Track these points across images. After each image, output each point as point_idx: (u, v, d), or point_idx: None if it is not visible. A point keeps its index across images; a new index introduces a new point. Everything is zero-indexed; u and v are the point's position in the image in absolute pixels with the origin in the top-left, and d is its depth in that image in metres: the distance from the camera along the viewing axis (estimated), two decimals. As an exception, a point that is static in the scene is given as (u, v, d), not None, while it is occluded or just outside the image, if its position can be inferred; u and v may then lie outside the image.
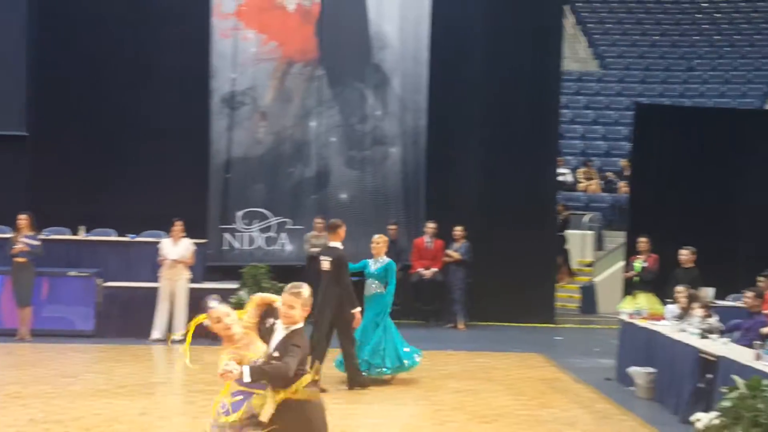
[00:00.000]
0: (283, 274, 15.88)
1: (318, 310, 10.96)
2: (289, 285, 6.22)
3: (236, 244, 17.20)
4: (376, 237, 12.15)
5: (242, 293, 14.91)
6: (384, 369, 11.62)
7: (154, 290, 14.81)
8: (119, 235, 16.25)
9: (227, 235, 17.19)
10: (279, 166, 17.40)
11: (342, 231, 11.54)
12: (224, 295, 14.51)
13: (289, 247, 17.31)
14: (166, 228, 15.21)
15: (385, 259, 11.90)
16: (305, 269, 16.85)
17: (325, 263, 11.35)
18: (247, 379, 6.12)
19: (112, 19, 17.05)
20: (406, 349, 11.77)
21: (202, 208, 16.91)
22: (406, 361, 11.71)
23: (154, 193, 16.55)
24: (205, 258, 16.37)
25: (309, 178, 17.47)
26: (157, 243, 15.11)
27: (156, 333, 14.69)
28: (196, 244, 15.26)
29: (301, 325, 6.13)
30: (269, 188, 17.39)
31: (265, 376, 6.10)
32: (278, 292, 14.48)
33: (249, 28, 17.32)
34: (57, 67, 17.00)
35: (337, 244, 11.47)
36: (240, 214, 17.20)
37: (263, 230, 17.24)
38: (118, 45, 17.09)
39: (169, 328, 14.71)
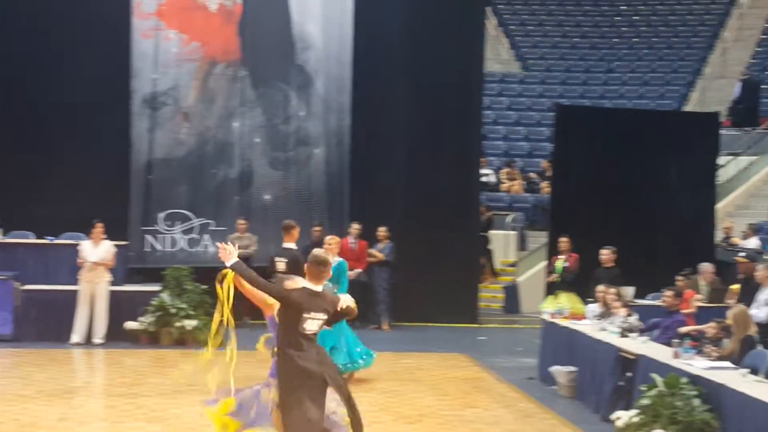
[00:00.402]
0: (206, 276, 15.78)
1: None
2: None
3: (158, 246, 17.02)
4: (329, 238, 12.28)
5: (164, 296, 14.80)
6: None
7: (74, 293, 14.61)
8: (38, 238, 15.95)
9: (149, 237, 16.99)
10: (202, 167, 17.24)
11: (296, 232, 11.67)
12: (146, 298, 14.62)
13: (212, 249, 17.14)
14: (86, 230, 14.98)
15: (337, 259, 11.89)
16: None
17: (281, 264, 11.40)
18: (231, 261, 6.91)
19: (30, 21, 16.78)
20: (358, 349, 11.85)
21: (124, 210, 16.66)
22: (360, 361, 11.80)
23: (74, 194, 16.27)
24: (127, 260, 16.16)
25: (232, 179, 17.36)
26: (77, 245, 14.87)
27: (76, 336, 14.50)
28: (117, 246, 15.07)
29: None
30: (192, 189, 17.22)
31: (246, 273, 6.97)
32: (201, 294, 14.55)
33: (170, 28, 17.12)
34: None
35: (292, 245, 11.56)
36: (162, 215, 17.01)
37: (186, 232, 17.09)
38: (36, 46, 16.80)
39: (90, 332, 14.54)
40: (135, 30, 16.94)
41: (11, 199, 16.28)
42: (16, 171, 16.55)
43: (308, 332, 6.88)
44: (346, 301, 7.25)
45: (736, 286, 13.28)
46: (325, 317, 6.98)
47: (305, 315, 6.88)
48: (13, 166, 16.56)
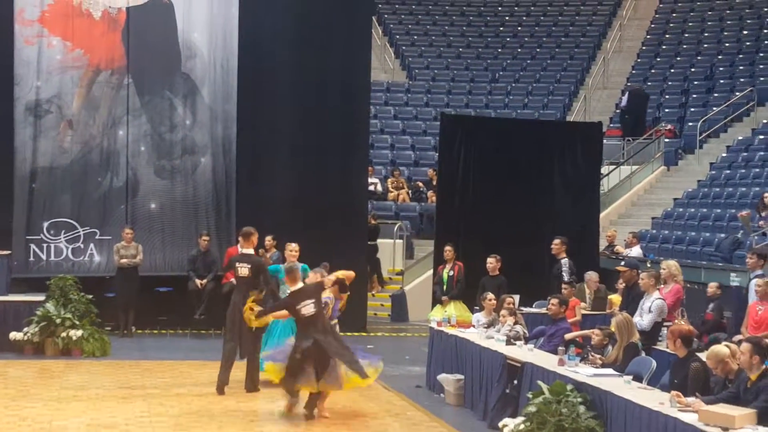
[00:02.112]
0: (91, 285, 15.64)
1: (231, 313, 11.69)
2: None
3: (43, 256, 16.73)
4: (293, 245, 12.63)
5: (49, 305, 14.57)
6: None
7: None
8: None
9: (33, 246, 16.69)
10: (87, 176, 17.01)
11: (255, 238, 12.18)
12: (31, 308, 14.34)
13: (97, 258, 16.96)
14: (-32, 240, 14.66)
15: (298, 264, 12.09)
16: (114, 280, 16.57)
17: (244, 269, 11.80)
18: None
19: None
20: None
21: (7, 219, 16.37)
22: None
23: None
24: (10, 270, 15.82)
25: (118, 188, 17.16)
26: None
27: (-41, 348, 14.21)
28: (1, 255, 14.79)
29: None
30: (77, 198, 16.99)
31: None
32: (86, 303, 14.39)
33: (54, 35, 16.84)
34: None
35: (251, 251, 12.05)
36: (46, 224, 16.75)
37: (71, 241, 16.84)
38: None
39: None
40: (18, 36, 16.64)
41: None
42: None
43: (306, 314, 10.55)
44: (337, 274, 11.35)
45: (615, 297, 13.67)
46: (313, 301, 10.59)
47: (298, 306, 10.56)
48: None
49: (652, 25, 30.89)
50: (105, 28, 17.15)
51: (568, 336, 11.17)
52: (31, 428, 9.85)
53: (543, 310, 13.36)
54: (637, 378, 9.04)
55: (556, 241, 15.15)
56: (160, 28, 17.36)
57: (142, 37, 17.20)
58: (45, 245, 16.69)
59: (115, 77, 17.12)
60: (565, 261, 14.92)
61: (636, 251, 18.09)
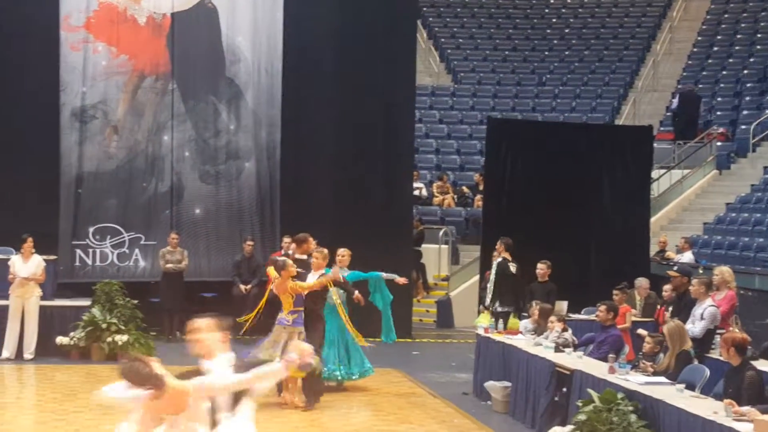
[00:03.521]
0: (136, 290, 15.64)
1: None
2: None
3: (88, 261, 16.80)
4: (342, 250, 12.60)
5: (95, 310, 14.61)
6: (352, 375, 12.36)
7: (4, 308, 14.42)
8: (-34, 252, 15.69)
9: (79, 252, 16.77)
10: (132, 181, 17.06)
11: (308, 245, 12.18)
12: (77, 313, 14.44)
13: (142, 263, 17.00)
14: (16, 244, 14.76)
15: (347, 271, 12.29)
16: (159, 285, 16.58)
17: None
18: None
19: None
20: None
21: (53, 224, 16.45)
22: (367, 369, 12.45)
23: (3, 208, 16.07)
24: (57, 275, 15.89)
25: (162, 193, 17.19)
26: (7, 260, 14.69)
27: (6, 352, 14.32)
28: (47, 260, 14.87)
29: None
30: (122, 203, 17.04)
31: None
32: (131, 309, 14.50)
33: (99, 41, 16.92)
34: None
35: (304, 257, 12.03)
36: (92, 229, 16.82)
37: (116, 246, 16.88)
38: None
39: (20, 347, 14.35)
40: (63, 43, 16.71)
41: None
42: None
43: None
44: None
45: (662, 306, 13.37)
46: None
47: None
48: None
49: (703, 27, 30.36)
50: (150, 33, 17.19)
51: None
52: (79, 433, 9.88)
53: (592, 317, 13.15)
54: (690, 386, 8.80)
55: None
56: (204, 33, 17.37)
57: (186, 42, 17.22)
58: (91, 250, 16.75)
59: (159, 82, 17.15)
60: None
61: (687, 257, 17.76)
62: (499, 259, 14.71)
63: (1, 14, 16.60)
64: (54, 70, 16.61)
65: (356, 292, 12.21)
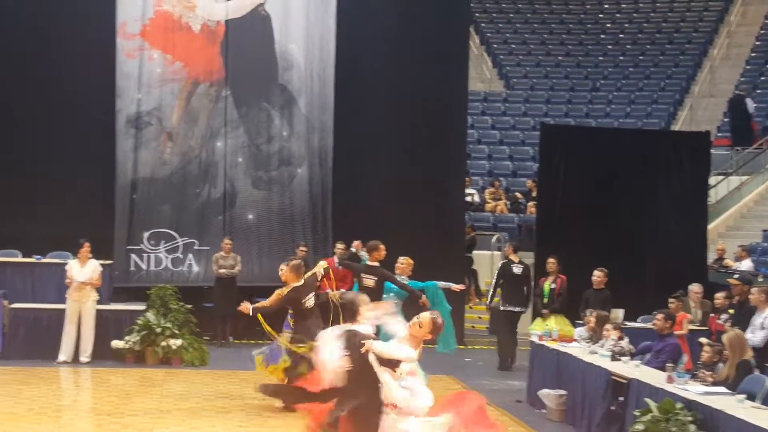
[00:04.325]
0: (190, 295, 15.73)
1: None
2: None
3: (143, 265, 16.92)
4: (402, 258, 12.72)
5: (149, 314, 14.72)
6: None
7: (61, 312, 14.58)
8: (25, 257, 15.92)
9: (134, 256, 16.89)
10: (186, 187, 17.16)
11: (378, 253, 12.33)
12: (132, 317, 14.62)
13: (195, 268, 17.08)
14: (72, 249, 14.93)
15: (406, 279, 12.39)
16: (213, 290, 16.65)
17: (369, 281, 12.18)
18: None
19: (16, 40, 16.67)
20: None
21: (109, 229, 16.59)
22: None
23: (59, 213, 16.21)
24: (112, 279, 16.06)
25: (216, 199, 17.27)
26: (64, 264, 14.88)
27: (63, 355, 14.44)
28: (103, 265, 15.01)
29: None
30: (176, 209, 17.14)
31: None
32: (185, 313, 14.70)
33: (154, 48, 17.05)
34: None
35: (376, 264, 12.23)
36: (146, 234, 16.94)
37: (170, 251, 17.00)
38: (23, 64, 16.70)
39: (76, 350, 14.49)
40: (119, 50, 16.87)
41: (-1, 218, 16.18)
42: (3, 191, 16.49)
43: (309, 307, 11.20)
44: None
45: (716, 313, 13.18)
46: (313, 293, 11.29)
47: (303, 300, 11.11)
48: (1, 185, 16.50)
49: (762, 31, 29.90)
50: (204, 40, 17.29)
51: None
52: (135, 436, 9.99)
53: (648, 325, 12.97)
54: (750, 397, 8.63)
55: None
56: (257, 40, 17.43)
57: (240, 49, 17.29)
58: (145, 255, 16.87)
59: (213, 89, 17.25)
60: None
61: (746, 265, 17.47)
62: (504, 261, 15.50)
63: (59, 22, 16.81)
64: (110, 78, 16.77)
65: (423, 296, 12.14)
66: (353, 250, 12.90)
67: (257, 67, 17.39)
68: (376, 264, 12.26)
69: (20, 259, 15.90)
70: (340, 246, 16.56)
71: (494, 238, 20.95)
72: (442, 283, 12.71)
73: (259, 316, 11.32)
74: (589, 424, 10.42)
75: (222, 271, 16.43)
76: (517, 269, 15.25)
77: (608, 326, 11.55)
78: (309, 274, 11.55)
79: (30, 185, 16.57)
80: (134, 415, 10.95)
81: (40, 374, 13.41)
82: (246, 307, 11.14)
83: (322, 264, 12.14)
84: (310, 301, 11.26)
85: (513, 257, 15.38)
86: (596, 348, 11.28)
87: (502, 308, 15.31)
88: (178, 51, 17.15)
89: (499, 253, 20.83)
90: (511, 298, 15.19)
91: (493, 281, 15.61)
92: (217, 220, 17.18)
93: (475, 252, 20.44)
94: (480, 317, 19.61)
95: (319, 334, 7.64)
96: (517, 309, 15.28)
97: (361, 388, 7.03)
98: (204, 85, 17.24)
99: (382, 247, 12.37)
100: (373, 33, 17.58)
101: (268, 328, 11.54)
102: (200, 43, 17.28)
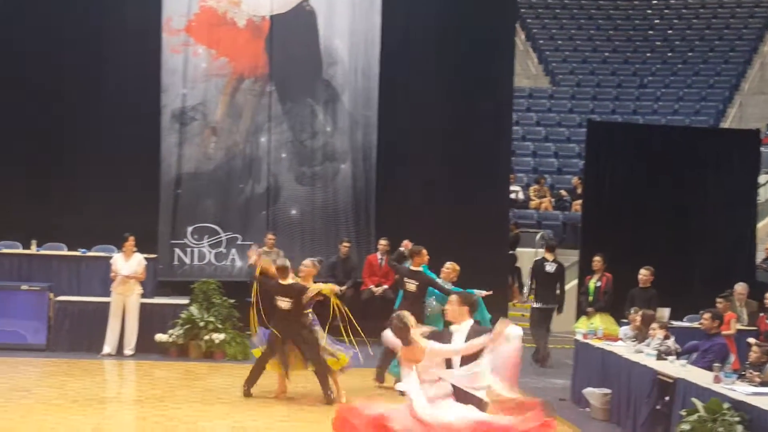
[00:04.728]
0: (233, 289, 15.76)
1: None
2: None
3: (186, 260, 16.97)
4: (449, 264, 12.70)
5: (193, 308, 14.78)
6: None
7: (106, 305, 14.73)
8: (70, 250, 16.06)
9: (178, 251, 16.95)
10: (229, 182, 17.20)
11: (419, 258, 12.43)
12: (175, 311, 14.72)
13: (239, 263, 17.10)
14: (117, 243, 15.10)
15: (450, 285, 12.36)
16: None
17: (411, 285, 12.31)
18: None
19: (64, 36, 16.81)
20: None
21: (153, 223, 16.68)
22: None
23: (104, 207, 16.36)
24: (156, 273, 16.15)
25: (259, 194, 17.29)
26: (109, 258, 15.05)
27: (107, 348, 14.59)
28: (148, 259, 15.13)
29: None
30: (220, 204, 17.18)
31: None
32: (228, 308, 14.80)
33: (199, 44, 17.10)
34: (6, 81, 16.76)
35: (419, 269, 12.37)
36: (190, 229, 16.99)
37: (213, 246, 17.03)
38: (70, 61, 16.84)
39: (120, 343, 14.62)
40: (165, 45, 16.95)
41: (45, 211, 16.37)
42: (50, 184, 16.69)
43: (280, 307, 11.62)
44: (318, 287, 11.76)
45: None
46: (292, 301, 11.56)
47: (277, 296, 11.53)
48: (47, 179, 16.69)
49: (814, 27, 29.49)
50: (249, 36, 17.31)
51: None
52: (178, 429, 10.10)
53: (695, 325, 12.80)
54: (800, 399, 8.47)
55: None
56: (302, 36, 17.42)
57: (284, 44, 17.29)
58: (189, 249, 16.93)
59: (257, 85, 17.27)
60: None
61: (796, 265, 17.20)
62: (537, 259, 15.99)
63: (104, 17, 16.93)
64: (155, 73, 16.85)
65: None
66: (402, 250, 12.79)
67: (301, 63, 17.38)
68: (419, 269, 12.33)
69: (66, 252, 16.04)
70: (383, 242, 16.56)
71: (538, 236, 20.77)
72: (477, 291, 12.54)
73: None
74: (634, 424, 10.30)
75: (265, 266, 16.43)
76: (549, 267, 15.60)
77: (654, 325, 11.41)
78: (303, 282, 11.81)
79: (76, 180, 16.73)
80: (178, 408, 11.04)
81: (85, 366, 13.57)
82: None
83: (329, 289, 12.15)
84: (283, 303, 11.59)
85: (547, 255, 15.78)
86: (642, 347, 11.15)
87: (534, 305, 15.76)
88: (223, 46, 17.19)
89: (543, 250, 20.71)
90: (542, 296, 15.59)
91: (528, 279, 16.07)
92: (260, 216, 17.20)
93: (518, 249, 20.31)
94: (523, 315, 19.43)
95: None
96: (548, 306, 15.58)
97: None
98: (248, 80, 17.26)
99: (424, 252, 12.40)
100: (418, 29, 17.52)
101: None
102: (245, 39, 17.30)
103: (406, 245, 12.95)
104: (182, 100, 17.02)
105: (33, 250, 15.92)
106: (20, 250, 15.93)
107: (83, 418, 10.35)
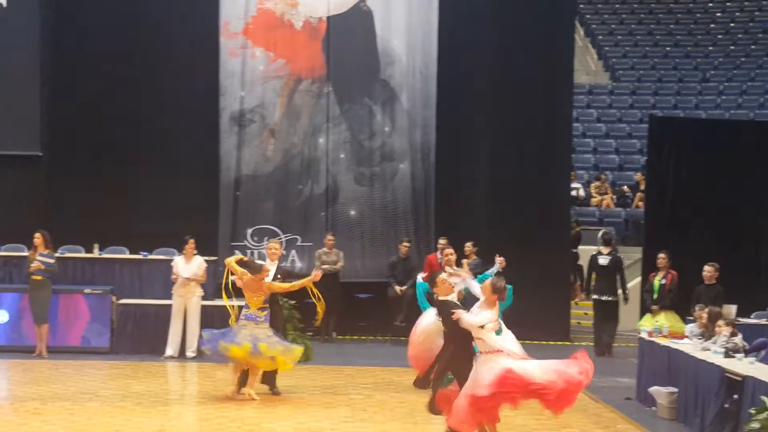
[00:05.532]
0: (294, 291, 15.74)
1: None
2: None
3: (246, 261, 17.02)
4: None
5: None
6: None
7: (167, 307, 14.84)
8: (131, 253, 16.22)
9: (237, 252, 16.98)
10: (288, 184, 17.28)
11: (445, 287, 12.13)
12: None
13: (299, 264, 17.15)
14: (178, 245, 15.19)
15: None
16: (316, 286, 16.64)
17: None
18: None
19: (123, 42, 17.03)
20: None
21: (213, 226, 16.82)
22: None
23: (165, 211, 16.55)
24: (217, 275, 16.17)
25: (318, 195, 17.33)
26: (170, 260, 15.19)
27: (169, 350, 14.70)
28: (208, 261, 15.19)
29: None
30: (279, 205, 17.27)
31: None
32: (290, 309, 14.85)
33: (257, 46, 17.21)
34: (70, 88, 17.03)
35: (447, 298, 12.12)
36: (250, 231, 17.11)
37: (273, 247, 17.06)
38: (129, 66, 17.06)
39: (182, 345, 14.71)
40: (223, 49, 17.06)
41: (107, 216, 16.57)
42: (112, 188, 16.87)
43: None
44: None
45: None
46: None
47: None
48: (109, 183, 16.89)
49: None
50: (306, 37, 17.36)
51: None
52: (241, 430, 10.08)
53: (762, 321, 12.55)
54: None
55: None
56: (359, 36, 17.44)
57: (341, 45, 17.32)
58: (249, 251, 16.99)
59: (315, 86, 17.31)
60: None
61: None
62: (593, 254, 16.56)
63: (164, 22, 17.09)
64: (214, 76, 16.99)
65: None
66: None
67: (359, 63, 17.39)
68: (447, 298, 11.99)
69: (127, 255, 16.20)
70: (442, 241, 16.44)
71: (600, 233, 20.51)
72: (491, 270, 12.31)
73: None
74: (702, 423, 10.10)
75: (325, 267, 16.44)
76: (603, 260, 16.12)
77: (720, 322, 11.18)
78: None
79: (137, 184, 16.94)
80: (240, 409, 11.04)
81: (148, 368, 13.67)
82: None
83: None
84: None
85: (603, 249, 16.31)
86: (708, 345, 10.93)
87: (593, 297, 16.28)
88: (281, 48, 17.26)
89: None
90: (599, 288, 16.15)
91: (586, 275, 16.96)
92: (319, 216, 17.24)
93: (580, 247, 20.07)
94: (586, 313, 19.24)
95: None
96: (605, 298, 16.05)
97: (453, 343, 9.20)
98: (306, 81, 17.31)
99: (440, 279, 11.90)
100: (476, 27, 17.41)
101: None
102: (302, 40, 17.35)
103: (433, 255, 12.70)
104: (240, 102, 17.12)
105: (95, 254, 16.09)
106: (83, 254, 16.11)
107: (147, 419, 10.41)
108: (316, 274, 11.92)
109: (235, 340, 11.50)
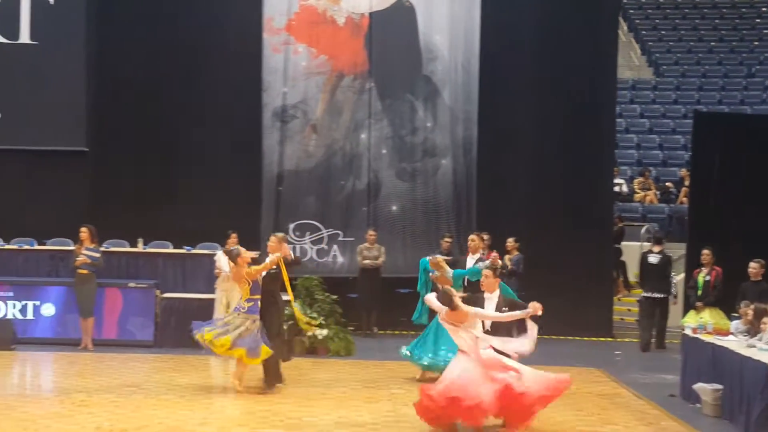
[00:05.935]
0: (335, 285, 15.85)
1: None
2: None
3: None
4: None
5: (295, 305, 14.85)
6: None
7: (210, 301, 14.98)
8: (176, 248, 16.32)
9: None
10: (330, 179, 17.31)
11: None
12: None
13: (340, 259, 17.20)
14: (220, 240, 15.27)
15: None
16: (357, 281, 16.74)
17: None
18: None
19: (166, 38, 17.15)
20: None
21: (255, 221, 16.89)
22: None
23: (208, 205, 16.68)
24: (259, 270, 16.28)
25: (360, 191, 17.35)
26: (213, 255, 15.32)
27: (212, 344, 14.74)
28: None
29: None
30: (321, 201, 17.31)
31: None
32: (331, 304, 14.86)
33: (300, 42, 17.26)
34: (115, 85, 17.21)
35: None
36: (292, 226, 17.16)
37: (315, 242, 17.16)
38: (173, 62, 17.21)
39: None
40: (266, 45, 17.14)
41: (151, 210, 16.71)
42: (156, 183, 17.05)
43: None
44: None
45: None
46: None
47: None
48: (153, 178, 17.07)
49: None
50: (348, 33, 17.37)
51: None
52: (284, 423, 10.13)
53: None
54: None
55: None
56: (401, 32, 17.42)
57: (384, 41, 17.32)
58: (291, 246, 17.01)
59: (357, 82, 17.32)
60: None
61: None
62: (643, 252, 16.69)
63: (207, 19, 17.19)
64: (257, 72, 17.06)
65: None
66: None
67: (401, 59, 17.38)
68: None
69: (171, 250, 16.30)
70: (485, 237, 16.37)
71: (643, 229, 20.38)
72: (481, 264, 12.30)
73: None
74: (747, 420, 9.99)
75: (366, 262, 16.51)
76: (653, 258, 16.14)
77: (766, 319, 11.05)
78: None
79: (180, 179, 17.07)
80: (282, 403, 11.09)
81: (191, 362, 13.76)
82: None
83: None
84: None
85: (654, 248, 16.35)
86: (754, 341, 10.82)
87: (643, 295, 16.25)
88: (323, 44, 17.29)
89: (648, 244, 20.32)
90: (648, 286, 16.12)
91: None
92: (361, 212, 17.26)
93: (623, 243, 19.94)
94: (629, 309, 19.13)
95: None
96: (654, 295, 15.99)
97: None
98: (348, 77, 17.33)
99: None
100: (519, 22, 17.37)
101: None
102: (344, 36, 17.37)
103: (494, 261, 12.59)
104: (283, 98, 17.19)
105: (140, 248, 16.26)
106: (127, 249, 16.27)
107: (190, 412, 10.50)
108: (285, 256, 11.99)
109: (203, 329, 11.61)
